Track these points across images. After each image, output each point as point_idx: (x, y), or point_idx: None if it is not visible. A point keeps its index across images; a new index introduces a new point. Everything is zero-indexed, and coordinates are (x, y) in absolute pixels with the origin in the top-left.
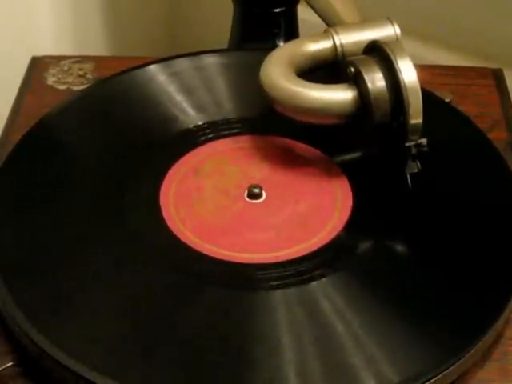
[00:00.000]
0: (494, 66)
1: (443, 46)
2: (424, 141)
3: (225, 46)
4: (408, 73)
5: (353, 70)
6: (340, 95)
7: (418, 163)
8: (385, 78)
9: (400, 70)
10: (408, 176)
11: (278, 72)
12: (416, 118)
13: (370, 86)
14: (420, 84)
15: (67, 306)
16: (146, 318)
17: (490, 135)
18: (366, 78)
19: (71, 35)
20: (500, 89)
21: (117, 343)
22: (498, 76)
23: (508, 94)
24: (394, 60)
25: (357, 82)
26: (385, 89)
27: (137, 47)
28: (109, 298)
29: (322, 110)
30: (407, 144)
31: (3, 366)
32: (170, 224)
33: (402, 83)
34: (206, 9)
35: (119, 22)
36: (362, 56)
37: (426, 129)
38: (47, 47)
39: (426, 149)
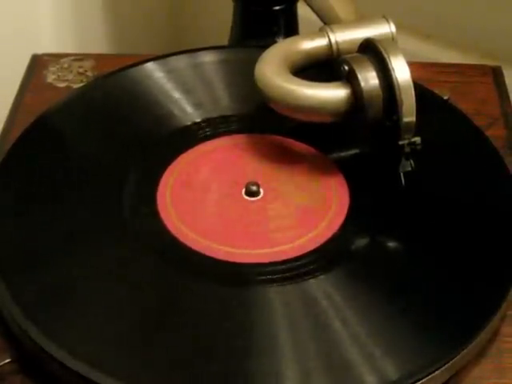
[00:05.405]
0: (492, 63)
1: (442, 44)
2: (418, 139)
3: (226, 43)
4: (401, 71)
5: (346, 68)
6: (334, 93)
7: (412, 162)
8: (378, 77)
9: (393, 69)
10: (401, 174)
11: (273, 70)
12: (409, 116)
13: (363, 84)
14: (414, 82)
15: (65, 303)
16: (144, 316)
17: (488, 133)
18: (360, 76)
19: (71, 33)
20: (498, 86)
21: (115, 341)
22: (496, 73)
23: (507, 91)
24: (387, 58)
25: (350, 80)
26: (378, 87)
27: (137, 45)
28: (107, 296)
29: (316, 108)
30: (401, 142)
31: (1, 363)
32: (167, 222)
33: (395, 82)
34: (207, 7)
35: (120, 20)
36: (356, 54)
37: (424, 126)
38: (47, 45)
39: (419, 147)
